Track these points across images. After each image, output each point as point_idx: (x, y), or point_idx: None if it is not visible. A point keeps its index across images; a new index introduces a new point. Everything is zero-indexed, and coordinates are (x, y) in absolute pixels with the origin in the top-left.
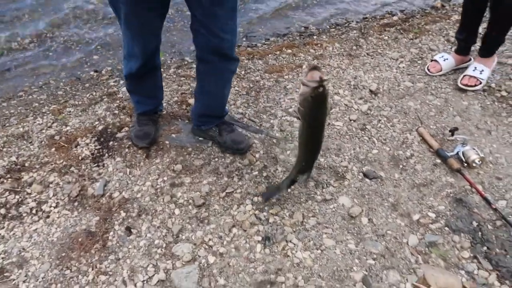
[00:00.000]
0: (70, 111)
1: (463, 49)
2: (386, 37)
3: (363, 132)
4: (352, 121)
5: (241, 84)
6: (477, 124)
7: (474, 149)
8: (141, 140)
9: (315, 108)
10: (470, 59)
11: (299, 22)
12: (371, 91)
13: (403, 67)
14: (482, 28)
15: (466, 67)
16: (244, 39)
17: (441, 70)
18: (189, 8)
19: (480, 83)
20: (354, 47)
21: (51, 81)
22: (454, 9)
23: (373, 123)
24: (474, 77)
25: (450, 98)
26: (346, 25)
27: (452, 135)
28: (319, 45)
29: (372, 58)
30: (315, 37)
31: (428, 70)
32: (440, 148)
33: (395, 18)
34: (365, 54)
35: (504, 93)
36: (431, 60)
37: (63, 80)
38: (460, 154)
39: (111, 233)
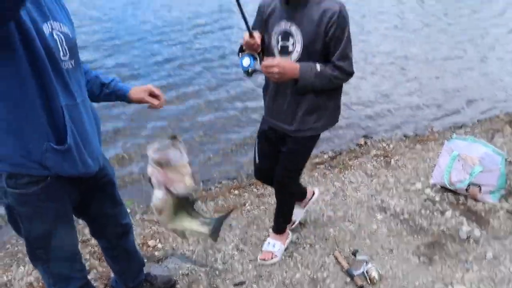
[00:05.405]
0: None
1: None
2: (316, 174)
3: (290, 259)
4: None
5: None
6: (382, 244)
7: (375, 267)
8: None
9: None
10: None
11: (247, 165)
12: (300, 223)
13: (327, 199)
14: None
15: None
16: (201, 183)
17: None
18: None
19: (276, 256)
20: None
21: None
22: (373, 144)
23: (299, 251)
24: (269, 251)
25: (363, 223)
26: None
27: (355, 256)
28: (260, 185)
29: None
30: None
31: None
32: (349, 268)
33: (325, 156)
34: None
35: (406, 216)
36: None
37: None
38: (365, 272)
39: None
